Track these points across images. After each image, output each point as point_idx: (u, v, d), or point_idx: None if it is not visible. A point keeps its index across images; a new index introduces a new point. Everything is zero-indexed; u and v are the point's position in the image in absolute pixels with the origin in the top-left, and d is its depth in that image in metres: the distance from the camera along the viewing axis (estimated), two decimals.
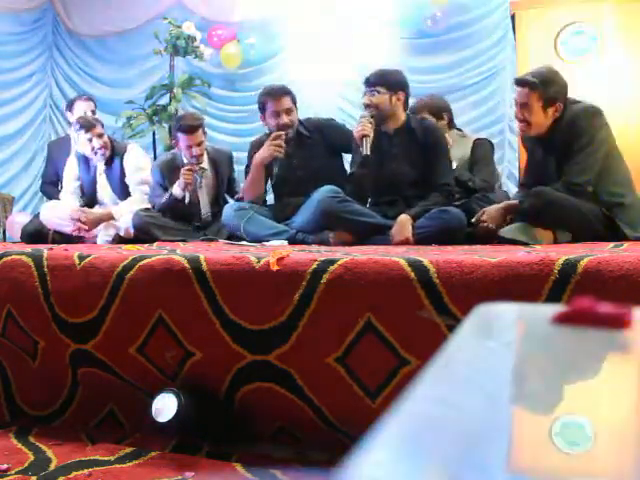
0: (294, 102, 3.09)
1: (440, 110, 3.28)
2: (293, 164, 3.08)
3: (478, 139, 3.28)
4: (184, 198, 3.22)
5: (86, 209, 3.49)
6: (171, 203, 3.24)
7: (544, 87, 2.51)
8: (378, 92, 2.79)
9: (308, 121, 3.22)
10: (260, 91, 3.15)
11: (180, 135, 3.27)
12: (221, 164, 3.45)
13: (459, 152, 3.16)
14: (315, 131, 3.14)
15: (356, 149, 2.86)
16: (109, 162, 3.52)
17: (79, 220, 3.37)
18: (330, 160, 3.12)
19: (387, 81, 2.80)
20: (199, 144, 3.28)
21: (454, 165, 3.02)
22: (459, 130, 3.38)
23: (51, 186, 4.20)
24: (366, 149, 2.72)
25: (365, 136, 2.73)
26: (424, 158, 2.79)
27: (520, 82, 2.57)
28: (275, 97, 3.03)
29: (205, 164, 3.39)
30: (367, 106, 2.81)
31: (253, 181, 3.06)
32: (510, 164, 5.07)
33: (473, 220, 2.62)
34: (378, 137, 2.81)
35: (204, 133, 3.36)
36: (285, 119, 3.01)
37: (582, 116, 2.49)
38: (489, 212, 2.58)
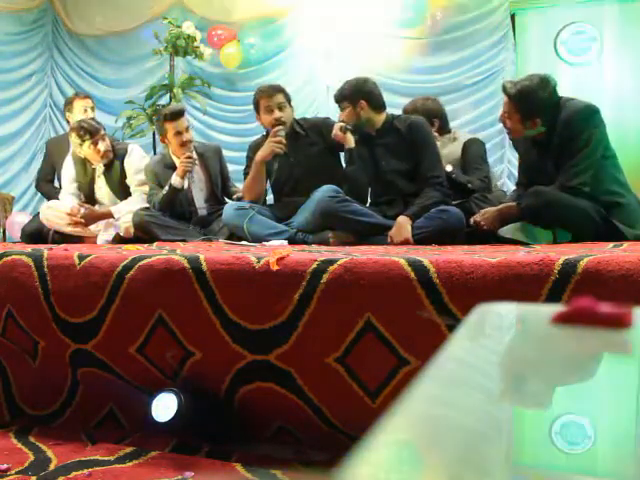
0: (288, 100, 3.14)
1: (430, 116, 3.19)
2: (290, 163, 3.10)
3: (469, 140, 3.23)
4: (183, 187, 3.27)
5: (85, 205, 3.50)
6: (171, 194, 3.26)
7: (522, 102, 2.46)
8: (342, 108, 2.92)
9: (304, 120, 3.25)
10: (255, 91, 3.19)
11: (167, 125, 3.32)
12: (209, 158, 3.48)
13: (448, 154, 3.13)
14: (311, 130, 3.16)
15: (344, 149, 2.95)
16: (109, 164, 3.52)
17: (76, 216, 3.38)
18: (327, 158, 3.13)
19: (346, 96, 2.90)
20: (187, 129, 3.36)
21: (449, 168, 3.00)
22: (449, 133, 3.29)
23: (47, 184, 4.19)
24: (351, 138, 2.85)
25: (346, 130, 2.85)
26: (412, 154, 2.84)
27: (503, 89, 2.56)
28: (268, 94, 3.09)
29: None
30: (342, 122, 2.94)
31: (254, 180, 3.07)
32: (510, 164, 5.06)
33: (471, 222, 2.62)
34: (363, 139, 2.91)
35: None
36: (278, 113, 3.06)
37: (579, 116, 2.46)
38: (485, 214, 2.58)
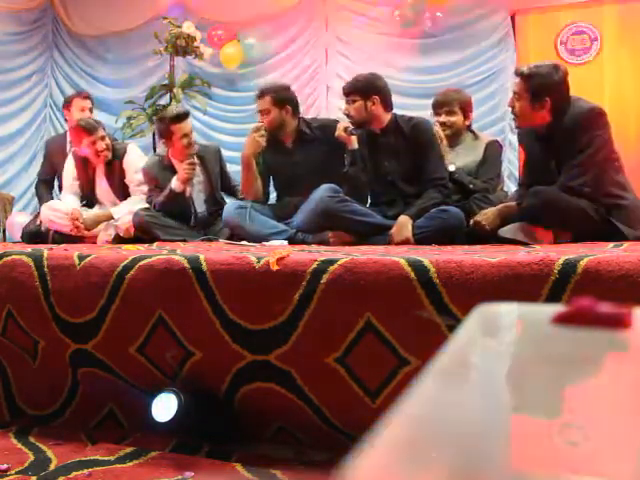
0: (276, 104, 3.13)
1: (467, 109, 3.19)
2: (295, 163, 3.10)
3: (491, 141, 3.20)
4: (184, 192, 3.26)
5: (86, 209, 3.50)
6: (171, 198, 3.25)
7: (533, 80, 2.51)
8: (353, 101, 2.88)
9: (313, 120, 3.25)
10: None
11: (173, 127, 3.29)
12: (209, 160, 3.46)
13: (471, 155, 3.10)
14: (318, 131, 3.16)
15: (346, 150, 2.95)
16: (109, 163, 3.52)
17: (77, 220, 3.37)
18: (332, 160, 3.12)
19: (359, 89, 2.88)
20: (191, 131, 3.36)
21: (452, 168, 2.99)
22: (472, 132, 3.27)
23: (44, 185, 4.17)
24: (355, 139, 2.88)
25: (351, 133, 2.87)
26: (414, 155, 2.84)
27: (516, 71, 2.63)
28: (256, 97, 3.17)
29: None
30: (346, 115, 2.93)
31: (246, 178, 3.08)
32: (510, 164, 5.06)
33: (471, 222, 2.62)
34: (366, 138, 2.91)
35: None
36: (260, 118, 3.13)
37: (586, 117, 2.47)
38: (485, 215, 2.59)
